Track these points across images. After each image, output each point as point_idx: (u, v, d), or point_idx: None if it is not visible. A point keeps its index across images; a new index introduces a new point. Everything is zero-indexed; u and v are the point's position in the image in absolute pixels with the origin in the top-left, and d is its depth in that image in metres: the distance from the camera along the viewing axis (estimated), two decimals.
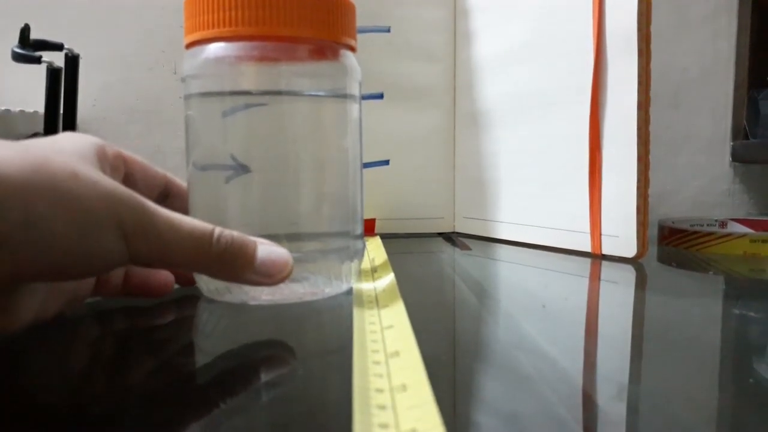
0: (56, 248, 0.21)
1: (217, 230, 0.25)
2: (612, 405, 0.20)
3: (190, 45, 0.30)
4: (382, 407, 0.17)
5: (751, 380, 0.22)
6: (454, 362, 0.24)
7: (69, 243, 0.21)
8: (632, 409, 0.20)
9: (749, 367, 0.24)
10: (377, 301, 0.28)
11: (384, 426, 0.16)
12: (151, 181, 0.30)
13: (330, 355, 0.25)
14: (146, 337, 0.27)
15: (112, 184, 0.22)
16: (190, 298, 0.31)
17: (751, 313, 0.31)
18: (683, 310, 0.33)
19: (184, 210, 0.30)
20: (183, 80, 0.31)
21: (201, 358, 0.26)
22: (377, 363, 0.20)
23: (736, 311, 0.33)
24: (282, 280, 0.26)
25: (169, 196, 0.31)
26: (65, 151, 0.23)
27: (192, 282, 0.31)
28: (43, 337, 0.25)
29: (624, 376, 0.23)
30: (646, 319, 0.32)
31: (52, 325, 0.25)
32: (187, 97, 0.30)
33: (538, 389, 0.21)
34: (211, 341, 0.27)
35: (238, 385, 0.21)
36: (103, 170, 0.24)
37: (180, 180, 0.32)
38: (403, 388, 0.18)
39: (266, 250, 0.26)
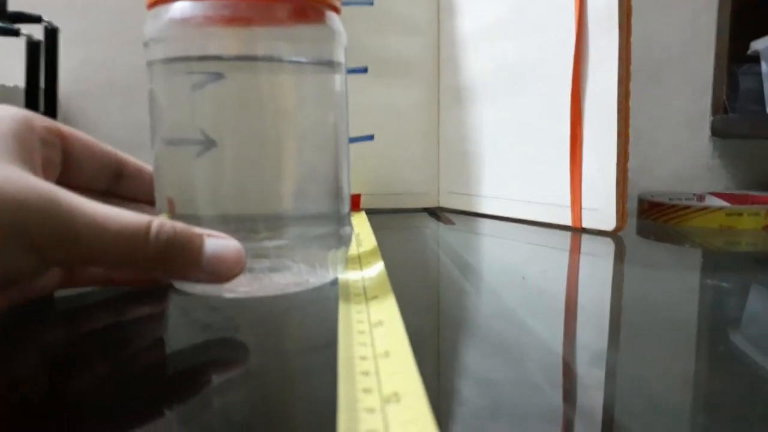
0: None
1: (156, 223, 0.22)
2: (589, 372, 0.21)
3: (153, 4, 0.27)
4: (366, 373, 0.17)
5: (721, 348, 0.23)
6: (438, 332, 0.25)
7: None
8: (609, 376, 0.20)
9: (724, 336, 0.25)
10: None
11: (367, 390, 0.16)
12: (99, 161, 0.28)
13: (314, 352, 0.22)
14: (107, 334, 0.24)
15: (15, 186, 0.20)
16: (159, 289, 0.28)
17: (725, 284, 0.32)
18: (660, 281, 0.34)
19: (142, 191, 0.28)
20: (145, 45, 0.27)
21: (168, 357, 0.23)
22: (362, 333, 0.21)
23: (711, 282, 0.34)
24: (233, 277, 0.24)
25: (122, 176, 0.29)
26: None
27: (141, 281, 0.28)
28: None
29: (602, 345, 0.23)
30: (624, 290, 0.33)
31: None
32: (150, 64, 0.27)
33: (517, 357, 0.21)
34: (180, 339, 0.24)
35: (206, 384, 0.19)
36: (28, 150, 0.22)
37: (134, 158, 0.29)
38: (386, 354, 0.19)
39: (214, 243, 0.23)
